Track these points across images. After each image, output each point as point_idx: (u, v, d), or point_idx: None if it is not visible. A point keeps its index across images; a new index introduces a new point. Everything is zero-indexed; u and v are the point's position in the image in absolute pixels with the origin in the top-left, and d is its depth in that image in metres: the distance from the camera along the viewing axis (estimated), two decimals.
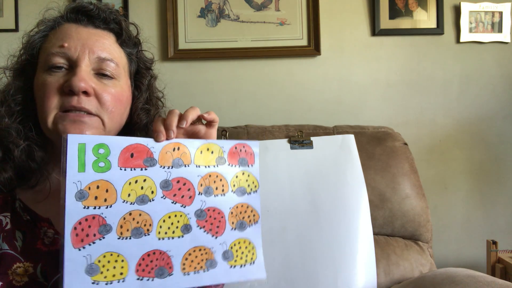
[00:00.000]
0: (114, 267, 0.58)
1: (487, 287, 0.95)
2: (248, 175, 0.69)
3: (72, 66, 0.69)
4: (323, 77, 1.80)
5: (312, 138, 1.37)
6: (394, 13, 1.79)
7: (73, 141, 0.57)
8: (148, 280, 0.60)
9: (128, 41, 0.79)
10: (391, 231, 1.38)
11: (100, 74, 0.71)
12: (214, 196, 0.66)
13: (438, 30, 1.79)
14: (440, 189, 1.82)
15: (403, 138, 1.49)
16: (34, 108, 0.72)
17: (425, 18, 1.79)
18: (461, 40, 1.79)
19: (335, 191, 1.29)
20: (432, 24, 1.79)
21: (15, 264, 0.64)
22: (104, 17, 0.75)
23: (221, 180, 0.67)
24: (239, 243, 0.67)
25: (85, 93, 0.67)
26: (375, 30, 1.78)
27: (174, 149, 0.64)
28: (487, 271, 1.58)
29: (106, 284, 0.58)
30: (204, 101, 1.79)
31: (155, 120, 0.67)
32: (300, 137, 1.38)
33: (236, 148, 0.69)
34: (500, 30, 1.80)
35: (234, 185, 0.68)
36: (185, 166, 0.64)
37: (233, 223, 0.67)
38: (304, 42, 1.77)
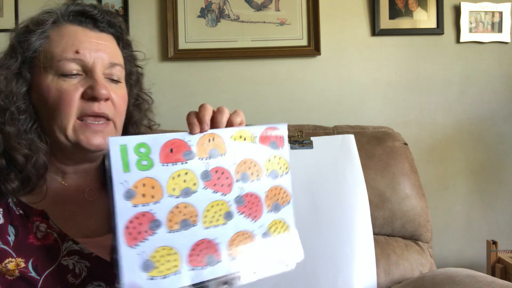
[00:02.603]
0: (168, 261, 0.60)
1: (487, 287, 0.95)
2: (279, 158, 0.71)
3: (87, 72, 0.69)
4: (323, 77, 1.80)
5: (312, 138, 1.37)
6: (394, 13, 1.79)
7: (115, 144, 0.58)
8: (201, 268, 0.62)
9: (125, 43, 0.81)
10: (391, 231, 1.38)
11: (109, 78, 0.73)
12: (251, 181, 0.68)
13: (438, 30, 1.79)
14: (440, 189, 1.82)
15: (403, 138, 1.49)
16: (36, 113, 0.70)
17: (425, 18, 1.79)
18: (461, 40, 1.79)
19: (335, 191, 1.29)
20: (432, 24, 1.79)
21: (6, 259, 0.65)
22: (108, 21, 0.75)
23: (255, 165, 0.69)
24: (275, 223, 0.69)
25: (106, 99, 0.70)
26: (375, 30, 1.78)
27: (209, 140, 0.65)
28: (487, 271, 1.58)
29: (163, 278, 0.59)
30: (204, 101, 1.78)
31: (188, 114, 0.68)
32: (300, 137, 1.38)
33: (266, 132, 0.70)
34: (500, 30, 1.80)
35: (267, 169, 0.69)
36: (221, 155, 0.66)
37: (269, 205, 0.69)
38: (304, 42, 1.77)
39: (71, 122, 0.68)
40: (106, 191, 0.74)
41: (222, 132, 0.67)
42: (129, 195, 0.59)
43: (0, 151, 0.67)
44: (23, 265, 0.65)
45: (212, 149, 0.65)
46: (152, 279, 0.58)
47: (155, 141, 0.62)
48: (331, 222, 1.25)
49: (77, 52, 0.69)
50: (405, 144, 1.47)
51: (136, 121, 0.84)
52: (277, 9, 1.77)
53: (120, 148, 0.59)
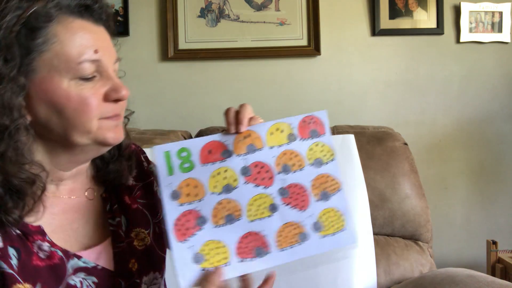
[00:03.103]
0: (218, 253, 0.64)
1: (487, 287, 0.95)
2: (322, 145, 0.70)
3: (100, 71, 0.62)
4: (323, 77, 1.80)
5: None
6: (394, 13, 1.79)
7: (160, 151, 0.65)
8: (250, 260, 0.64)
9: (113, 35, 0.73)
10: (391, 231, 1.38)
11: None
12: (293, 172, 0.68)
13: (438, 30, 1.79)
14: (440, 189, 1.82)
15: (403, 138, 1.49)
16: (35, 125, 0.61)
17: (425, 18, 1.79)
18: (461, 40, 1.79)
19: None
20: (432, 24, 1.79)
21: (14, 285, 0.57)
22: (107, 14, 0.68)
23: (296, 156, 0.69)
24: (327, 212, 0.68)
25: None
26: (375, 30, 1.78)
27: (245, 137, 0.67)
28: (487, 271, 1.58)
29: (214, 269, 0.63)
30: (205, 101, 1.79)
31: (228, 111, 0.68)
32: None
33: (304, 121, 0.70)
34: (500, 30, 1.80)
35: (310, 158, 0.69)
36: (259, 150, 0.68)
37: (316, 194, 0.68)
38: (304, 42, 1.77)
39: (94, 124, 0.61)
40: (106, 188, 0.73)
41: (258, 128, 0.68)
42: (175, 195, 0.65)
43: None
44: None
45: (249, 145, 0.67)
46: (204, 270, 0.63)
47: (194, 145, 0.67)
48: None
49: (95, 51, 0.61)
50: (405, 144, 1.47)
51: None
52: (277, 9, 1.77)
53: (164, 154, 0.65)
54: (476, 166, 1.82)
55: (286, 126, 0.70)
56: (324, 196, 0.69)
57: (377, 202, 1.35)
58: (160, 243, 0.76)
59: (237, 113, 0.68)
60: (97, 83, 0.62)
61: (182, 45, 1.76)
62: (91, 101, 0.60)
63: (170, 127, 1.63)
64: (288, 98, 1.79)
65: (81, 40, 0.61)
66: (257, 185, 0.67)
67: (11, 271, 0.57)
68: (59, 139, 0.62)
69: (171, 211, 0.64)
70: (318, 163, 0.69)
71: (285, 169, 0.68)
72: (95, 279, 0.65)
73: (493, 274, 1.54)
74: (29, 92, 0.59)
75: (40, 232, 0.62)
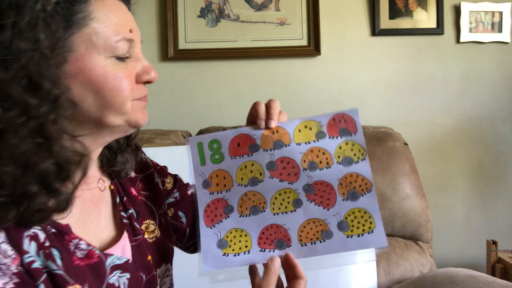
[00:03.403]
0: (240, 241, 0.67)
1: (487, 287, 0.95)
2: (353, 144, 0.69)
3: (131, 52, 0.61)
4: (323, 77, 1.80)
5: None
6: (394, 13, 1.79)
7: (193, 141, 0.70)
8: (269, 251, 0.66)
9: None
10: (391, 231, 1.38)
11: None
12: (320, 170, 0.68)
13: (438, 30, 1.79)
14: (440, 189, 1.82)
15: (403, 138, 1.49)
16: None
17: (425, 18, 1.79)
18: (461, 40, 1.79)
19: None
20: (432, 24, 1.79)
21: (68, 286, 0.54)
22: None
23: (324, 153, 0.69)
24: (353, 213, 0.67)
25: None
26: (375, 30, 1.78)
27: (273, 133, 0.69)
28: (487, 271, 1.58)
29: (234, 255, 0.67)
30: (204, 101, 1.79)
31: (258, 106, 0.69)
32: None
33: (334, 120, 0.70)
34: (500, 30, 1.80)
35: (338, 156, 0.69)
36: (286, 146, 0.69)
37: (344, 193, 0.68)
38: (304, 42, 1.77)
39: (129, 105, 0.60)
40: (115, 183, 0.70)
41: (286, 124, 0.70)
42: (206, 184, 0.70)
43: (48, 159, 0.52)
44: None
45: (276, 141, 0.69)
46: (225, 255, 0.67)
47: (225, 137, 0.70)
48: None
49: (130, 31, 0.61)
50: (405, 144, 1.47)
51: None
52: (277, 9, 1.77)
53: (197, 145, 0.70)
54: (476, 166, 1.82)
55: (315, 124, 0.70)
56: (353, 195, 0.68)
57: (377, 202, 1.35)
58: (167, 234, 0.75)
59: (267, 108, 0.69)
60: (129, 64, 0.61)
61: (182, 45, 1.76)
62: (127, 81, 0.60)
63: (170, 127, 1.63)
64: (288, 98, 1.79)
65: (118, 19, 0.60)
66: (282, 180, 0.68)
67: (60, 272, 0.54)
68: (90, 120, 0.59)
69: (202, 198, 0.69)
70: (348, 161, 0.69)
71: (312, 166, 0.68)
72: (128, 276, 0.63)
73: (493, 274, 1.54)
74: (68, 67, 0.56)
75: (71, 230, 0.59)
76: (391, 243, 1.36)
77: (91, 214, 0.65)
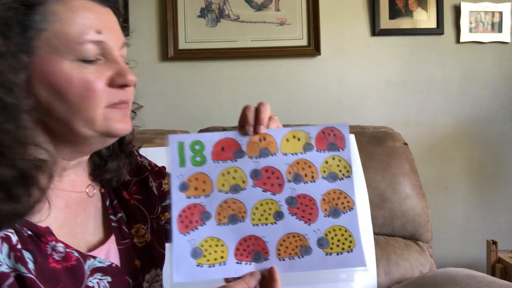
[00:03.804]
0: (215, 251, 0.63)
1: (487, 287, 0.95)
2: (339, 160, 0.68)
3: (105, 54, 0.59)
4: (323, 77, 1.80)
5: None
6: (394, 13, 1.79)
7: (174, 141, 0.65)
8: (246, 264, 0.63)
9: (122, 19, 0.68)
10: (391, 231, 1.38)
11: None
12: (304, 183, 0.66)
13: (438, 30, 1.79)
14: (440, 189, 1.82)
15: (403, 138, 1.49)
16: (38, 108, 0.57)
17: (425, 18, 1.79)
18: (461, 40, 1.79)
19: None
20: (432, 24, 1.79)
21: None
22: None
23: (310, 166, 0.67)
24: (334, 230, 0.66)
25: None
26: (375, 30, 1.78)
27: (260, 140, 0.66)
28: (487, 271, 1.58)
29: (209, 267, 0.62)
30: (205, 101, 1.79)
31: (247, 110, 0.65)
32: None
33: (323, 133, 0.68)
34: (500, 30, 1.80)
35: (324, 171, 0.67)
36: (272, 155, 0.66)
37: (326, 210, 0.66)
38: (304, 42, 1.77)
39: (100, 111, 0.58)
40: (102, 186, 0.69)
41: (274, 132, 0.67)
42: (183, 187, 0.64)
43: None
44: None
45: (262, 149, 0.66)
46: (199, 265, 0.62)
47: (209, 139, 0.66)
48: None
49: (98, 32, 0.57)
50: (405, 144, 1.47)
51: None
52: (277, 9, 1.77)
53: (178, 144, 0.65)
54: (476, 166, 1.82)
55: (304, 135, 0.67)
56: (335, 212, 0.66)
57: (377, 202, 1.35)
58: (159, 239, 0.74)
59: (257, 113, 0.65)
60: (101, 67, 0.58)
61: (182, 45, 1.76)
62: (96, 85, 0.57)
63: (170, 127, 1.63)
64: (288, 98, 1.79)
65: (82, 20, 0.57)
66: (265, 190, 0.66)
67: (30, 276, 0.53)
68: (62, 127, 0.58)
69: (178, 202, 0.64)
70: (333, 177, 0.67)
71: (296, 179, 0.66)
72: (109, 279, 0.62)
73: (493, 274, 1.54)
74: (30, 73, 0.55)
75: (51, 233, 0.58)
76: (391, 243, 1.36)
77: (78, 218, 0.64)
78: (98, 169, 0.69)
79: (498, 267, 1.53)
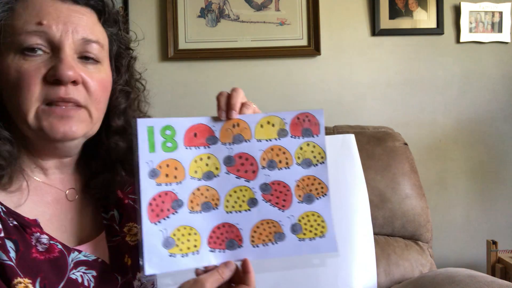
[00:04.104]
0: (188, 240, 0.61)
1: (487, 287, 0.95)
2: (314, 146, 0.68)
3: (53, 49, 0.58)
4: (323, 77, 1.80)
5: None
6: (394, 13, 1.79)
7: (142, 125, 0.61)
8: (220, 252, 0.62)
9: (109, 19, 0.67)
10: (391, 231, 1.38)
11: (84, 57, 0.61)
12: (278, 169, 0.66)
13: (438, 30, 1.79)
14: (440, 189, 1.82)
15: (403, 138, 1.48)
16: None
17: (425, 18, 1.79)
18: (461, 40, 1.79)
19: (335, 191, 1.29)
20: (432, 24, 1.79)
21: (15, 278, 0.54)
22: None
23: (284, 153, 0.66)
24: (307, 216, 0.66)
25: (74, 82, 0.59)
26: (375, 30, 1.78)
27: (234, 126, 0.65)
28: (487, 271, 1.58)
29: (182, 256, 0.60)
30: (204, 101, 1.79)
31: (220, 96, 0.65)
32: None
33: (298, 118, 0.68)
34: (500, 30, 1.80)
35: (298, 157, 0.67)
36: (246, 141, 0.65)
37: (300, 196, 0.66)
38: (304, 42, 1.77)
39: (33, 108, 0.57)
40: (88, 191, 0.69)
41: (248, 118, 0.66)
42: (153, 174, 0.61)
43: None
44: (30, 287, 0.56)
45: (236, 135, 0.65)
46: (172, 255, 0.60)
47: (181, 124, 0.63)
48: None
49: (39, 23, 0.57)
50: (405, 144, 1.47)
51: (122, 111, 0.71)
52: (277, 9, 1.77)
53: (147, 129, 0.61)
54: (476, 166, 1.82)
55: (278, 120, 0.67)
56: (308, 198, 0.66)
57: (377, 202, 1.35)
58: None
59: (229, 98, 0.65)
60: (44, 61, 0.57)
61: (182, 45, 1.76)
62: (26, 77, 0.55)
63: None
64: (288, 98, 1.79)
65: (29, 13, 0.57)
66: (239, 177, 0.65)
67: (10, 263, 0.54)
68: (14, 120, 0.59)
69: (147, 189, 0.61)
70: (307, 163, 0.67)
71: (271, 165, 0.66)
72: (94, 273, 0.63)
73: (493, 274, 1.54)
74: None
75: (37, 225, 0.60)
76: (391, 243, 1.36)
77: (68, 214, 0.65)
78: (87, 187, 0.68)
79: (498, 267, 1.53)
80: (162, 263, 0.59)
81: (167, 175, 0.62)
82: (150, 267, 0.59)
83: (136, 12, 1.78)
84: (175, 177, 0.62)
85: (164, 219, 0.61)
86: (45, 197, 0.63)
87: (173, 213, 0.61)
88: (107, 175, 0.69)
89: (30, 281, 0.55)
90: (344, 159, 1.33)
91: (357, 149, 1.36)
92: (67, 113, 0.59)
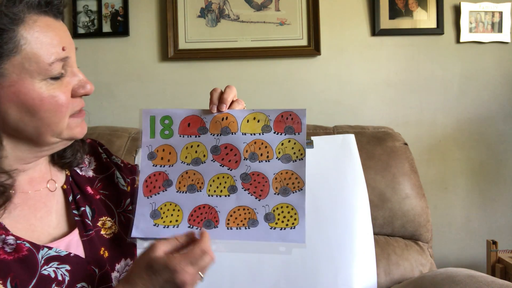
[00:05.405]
0: (172, 215, 0.71)
1: (487, 287, 0.95)
2: (294, 143, 0.73)
3: (65, 67, 0.63)
4: (323, 77, 1.80)
5: (312, 138, 1.37)
6: (394, 13, 1.79)
7: (147, 114, 0.74)
8: (196, 229, 0.70)
9: None
10: (391, 231, 1.38)
11: None
12: (259, 162, 0.72)
13: (438, 30, 1.79)
14: (440, 189, 1.82)
15: (403, 138, 1.49)
16: None
17: (425, 18, 1.79)
18: (461, 40, 1.79)
19: (335, 191, 1.29)
20: (432, 24, 1.79)
21: None
22: (64, 6, 0.65)
23: (266, 147, 0.73)
24: (282, 207, 0.71)
25: None
26: (375, 30, 1.78)
27: (223, 119, 0.74)
28: (487, 271, 1.58)
29: (164, 227, 0.70)
30: (204, 101, 1.79)
31: (213, 92, 0.74)
32: None
33: (282, 116, 0.75)
34: (500, 30, 1.80)
35: (279, 152, 0.73)
36: (232, 133, 0.73)
37: (276, 188, 0.72)
38: (304, 42, 1.77)
39: (66, 122, 0.64)
40: (58, 162, 0.74)
41: (236, 113, 0.73)
42: (151, 156, 0.73)
43: None
44: (1, 287, 0.57)
45: (224, 127, 0.73)
46: (156, 225, 0.70)
47: (177, 115, 0.75)
48: (331, 222, 1.25)
49: (63, 49, 0.62)
50: (405, 144, 1.47)
51: None
52: (277, 9, 1.77)
53: (150, 118, 0.74)
54: (476, 166, 1.82)
55: (264, 117, 0.74)
56: (284, 191, 0.72)
57: (377, 202, 1.35)
58: (128, 230, 0.76)
59: (222, 94, 0.73)
60: (64, 80, 0.63)
61: (182, 45, 1.77)
62: (62, 99, 0.62)
63: None
64: (288, 98, 1.79)
65: (48, 39, 0.60)
66: (223, 165, 0.72)
67: None
68: (29, 138, 0.63)
69: (145, 169, 0.72)
70: (286, 159, 0.73)
71: (252, 157, 0.72)
72: (68, 267, 0.65)
73: (493, 274, 1.54)
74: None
75: (2, 227, 0.61)
76: (391, 243, 1.36)
77: (37, 213, 0.67)
78: (58, 156, 0.74)
79: (498, 267, 1.53)
80: (146, 230, 0.70)
81: (162, 158, 0.73)
82: (136, 232, 0.69)
83: (136, 12, 1.78)
84: (168, 160, 0.73)
85: (155, 194, 0.71)
86: (12, 199, 0.64)
87: (163, 191, 0.72)
88: (72, 146, 0.73)
89: (0, 281, 0.57)
90: (344, 159, 1.33)
91: (357, 149, 1.36)
92: (83, 116, 0.68)
